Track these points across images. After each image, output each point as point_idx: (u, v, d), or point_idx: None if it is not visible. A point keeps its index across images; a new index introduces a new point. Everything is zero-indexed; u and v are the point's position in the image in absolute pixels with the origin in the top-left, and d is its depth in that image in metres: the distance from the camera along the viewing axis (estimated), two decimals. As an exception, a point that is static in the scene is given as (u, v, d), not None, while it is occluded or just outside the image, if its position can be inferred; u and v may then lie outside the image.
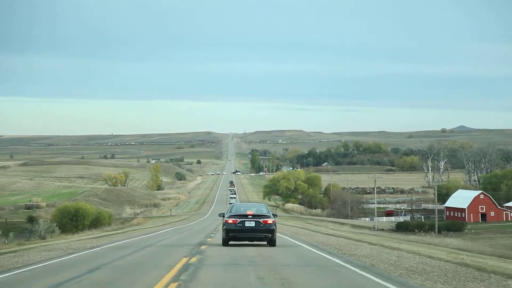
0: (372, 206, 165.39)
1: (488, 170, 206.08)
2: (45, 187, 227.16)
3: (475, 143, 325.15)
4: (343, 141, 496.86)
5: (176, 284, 16.31)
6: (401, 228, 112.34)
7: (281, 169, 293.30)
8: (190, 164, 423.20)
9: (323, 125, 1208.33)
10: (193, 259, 23.06)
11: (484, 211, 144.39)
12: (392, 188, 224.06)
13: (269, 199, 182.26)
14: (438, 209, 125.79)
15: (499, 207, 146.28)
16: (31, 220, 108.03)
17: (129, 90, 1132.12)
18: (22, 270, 20.40)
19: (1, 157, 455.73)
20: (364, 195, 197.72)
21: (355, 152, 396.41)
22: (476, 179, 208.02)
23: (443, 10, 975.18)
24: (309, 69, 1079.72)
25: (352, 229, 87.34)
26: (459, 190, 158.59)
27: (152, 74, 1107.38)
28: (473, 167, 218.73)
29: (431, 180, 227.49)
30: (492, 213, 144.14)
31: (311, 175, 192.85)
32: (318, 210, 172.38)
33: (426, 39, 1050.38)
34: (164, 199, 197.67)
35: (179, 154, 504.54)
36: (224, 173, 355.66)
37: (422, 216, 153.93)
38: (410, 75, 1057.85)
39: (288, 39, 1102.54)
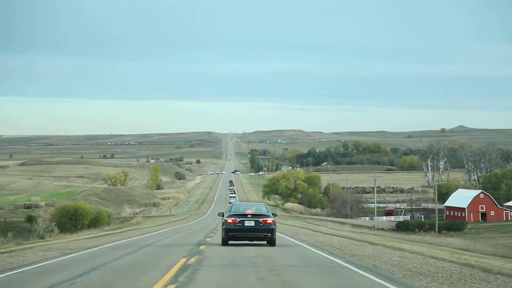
0: (372, 205, 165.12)
1: (488, 170, 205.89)
2: (44, 187, 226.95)
3: (475, 143, 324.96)
4: (343, 141, 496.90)
5: (174, 286, 15.98)
6: (401, 227, 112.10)
7: (280, 168, 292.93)
8: (190, 164, 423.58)
9: (323, 125, 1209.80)
10: (192, 260, 22.68)
11: (484, 210, 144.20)
12: (392, 187, 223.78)
13: (268, 199, 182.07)
14: (438, 209, 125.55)
15: (499, 206, 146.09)
16: (30, 219, 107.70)
17: (129, 90, 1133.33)
18: (16, 271, 19.91)
19: (0, 156, 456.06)
20: (364, 195, 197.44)
21: (355, 152, 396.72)
22: (476, 178, 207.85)
23: (443, 10, 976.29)
24: (309, 69, 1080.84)
25: (352, 228, 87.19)
26: (459, 190, 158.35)
27: (152, 74, 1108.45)
28: (473, 167, 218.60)
29: (430, 180, 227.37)
30: (492, 213, 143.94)
31: (310, 175, 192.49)
32: (318, 210, 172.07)
33: (426, 39, 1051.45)
34: (163, 199, 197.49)
35: (179, 154, 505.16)
36: (223, 172, 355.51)
37: (422, 216, 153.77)
38: (410, 75, 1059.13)
39: (288, 39, 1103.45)
